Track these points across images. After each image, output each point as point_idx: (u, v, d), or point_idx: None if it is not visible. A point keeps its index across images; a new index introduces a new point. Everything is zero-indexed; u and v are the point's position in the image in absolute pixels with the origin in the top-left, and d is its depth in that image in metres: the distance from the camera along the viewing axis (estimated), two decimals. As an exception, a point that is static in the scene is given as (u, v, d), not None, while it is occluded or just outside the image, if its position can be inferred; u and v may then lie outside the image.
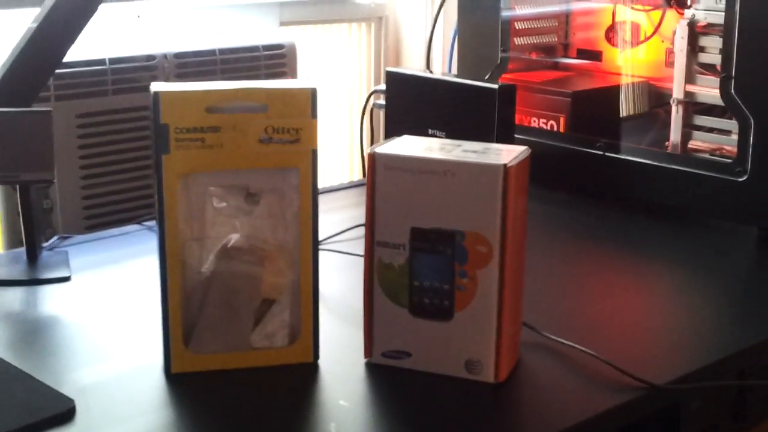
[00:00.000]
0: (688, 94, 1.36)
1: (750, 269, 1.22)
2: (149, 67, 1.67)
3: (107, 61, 1.62)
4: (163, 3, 1.91)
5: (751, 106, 1.23)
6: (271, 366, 0.88)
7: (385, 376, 0.88)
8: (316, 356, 0.90)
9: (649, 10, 1.46)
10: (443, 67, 2.17)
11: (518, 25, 1.56)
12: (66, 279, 1.10)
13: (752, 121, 1.23)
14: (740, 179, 1.25)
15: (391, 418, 0.83)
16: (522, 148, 0.88)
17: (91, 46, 1.58)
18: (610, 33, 1.55)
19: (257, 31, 1.99)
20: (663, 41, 1.46)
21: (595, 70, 1.58)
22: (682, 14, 1.36)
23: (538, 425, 0.82)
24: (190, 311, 0.88)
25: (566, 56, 1.62)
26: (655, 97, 1.48)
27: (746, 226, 1.27)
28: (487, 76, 1.51)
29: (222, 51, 1.76)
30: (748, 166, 1.24)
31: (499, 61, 1.52)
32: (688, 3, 1.36)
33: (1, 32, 1.43)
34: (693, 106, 1.36)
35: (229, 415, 0.81)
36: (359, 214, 0.99)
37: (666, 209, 1.35)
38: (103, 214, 1.65)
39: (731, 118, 1.28)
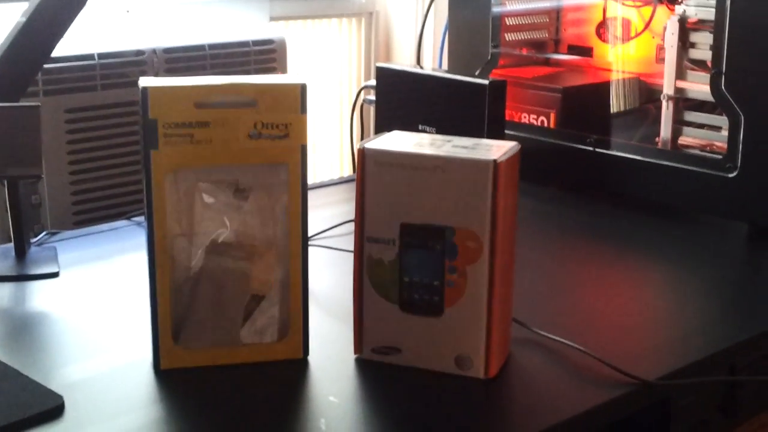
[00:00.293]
0: (678, 90, 1.36)
1: (740, 265, 1.22)
2: (138, 62, 1.67)
3: (96, 56, 1.62)
4: (153, -2, 1.91)
5: (741, 102, 1.23)
6: (261, 362, 0.88)
7: (375, 371, 0.88)
8: (306, 352, 0.90)
9: (640, 6, 1.46)
10: (434, 62, 2.17)
11: (509, 21, 1.56)
12: (54, 275, 1.09)
13: (742, 117, 1.23)
14: (730, 175, 1.25)
15: (381, 414, 0.83)
16: (512, 143, 0.88)
17: (79, 40, 1.58)
18: (601, 29, 1.55)
19: (247, 26, 1.98)
20: (654, 37, 1.46)
21: (585, 66, 1.58)
22: (673, 10, 1.37)
23: (529, 421, 0.81)
24: (179, 307, 0.87)
25: (557, 52, 1.62)
26: (646, 93, 1.48)
27: (736, 222, 1.27)
28: (477, 72, 1.51)
29: (211, 46, 1.76)
30: (738, 162, 1.24)
31: (489, 57, 1.52)
32: (679, -1, 1.36)
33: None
34: (683, 102, 1.36)
35: (218, 411, 0.81)
36: (349, 210, 0.99)
37: (656, 205, 1.35)
38: (92, 210, 1.64)
39: (722, 114, 1.28)
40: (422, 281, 0.86)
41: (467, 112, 1.30)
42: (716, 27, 1.24)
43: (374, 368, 0.88)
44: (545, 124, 1.48)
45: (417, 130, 1.33)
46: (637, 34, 1.48)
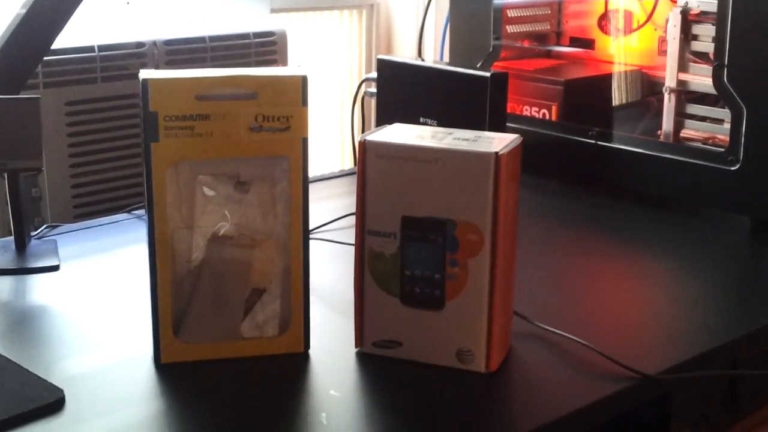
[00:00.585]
0: (680, 82, 1.35)
1: (742, 258, 1.22)
2: (138, 54, 1.66)
3: (96, 48, 1.61)
4: (153, -10, 1.90)
5: (743, 95, 1.23)
6: (262, 356, 0.88)
7: (376, 365, 0.88)
8: (307, 346, 0.89)
9: (642, -2, 1.46)
10: (435, 54, 2.17)
11: (510, 13, 1.55)
12: (55, 268, 1.09)
13: (745, 110, 1.22)
14: (732, 168, 1.24)
15: (382, 408, 0.83)
16: (514, 136, 0.88)
17: (79, 33, 1.57)
18: (603, 21, 1.55)
19: (248, 18, 1.98)
20: (656, 29, 1.45)
21: (587, 59, 1.57)
22: (675, 2, 1.36)
23: (530, 415, 0.81)
24: (180, 301, 0.87)
25: (559, 44, 1.62)
26: (648, 85, 1.47)
27: (738, 215, 1.27)
28: (479, 64, 1.50)
29: (212, 38, 1.75)
30: (741, 155, 1.23)
31: (491, 49, 1.52)
32: (681, -9, 1.35)
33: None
34: (685, 95, 1.36)
35: (219, 406, 0.81)
36: (350, 203, 0.99)
37: (658, 198, 1.35)
38: (92, 203, 1.64)
39: (724, 107, 1.28)
40: (423, 274, 0.86)
41: (469, 105, 1.30)
42: (719, 19, 1.24)
43: (375, 362, 0.88)
44: (547, 117, 1.47)
45: (418, 123, 1.32)
46: (639, 26, 1.47)
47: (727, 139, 1.26)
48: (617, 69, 1.50)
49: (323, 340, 0.91)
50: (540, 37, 1.62)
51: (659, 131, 1.37)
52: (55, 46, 1.21)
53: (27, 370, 0.84)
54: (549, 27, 1.62)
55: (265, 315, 0.89)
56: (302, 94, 0.85)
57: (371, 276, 0.88)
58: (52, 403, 0.79)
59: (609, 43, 1.54)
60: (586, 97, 1.49)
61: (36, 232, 1.20)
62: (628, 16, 1.49)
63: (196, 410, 0.81)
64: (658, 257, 1.19)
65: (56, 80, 1.57)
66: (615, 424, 0.89)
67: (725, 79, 1.24)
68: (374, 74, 1.46)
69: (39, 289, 1.05)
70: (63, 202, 1.60)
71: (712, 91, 1.27)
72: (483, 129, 1.04)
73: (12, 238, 1.13)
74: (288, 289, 0.88)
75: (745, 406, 0.99)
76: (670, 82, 1.36)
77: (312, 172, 0.90)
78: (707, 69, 1.29)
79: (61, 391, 0.81)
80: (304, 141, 0.85)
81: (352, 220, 0.90)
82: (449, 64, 1.51)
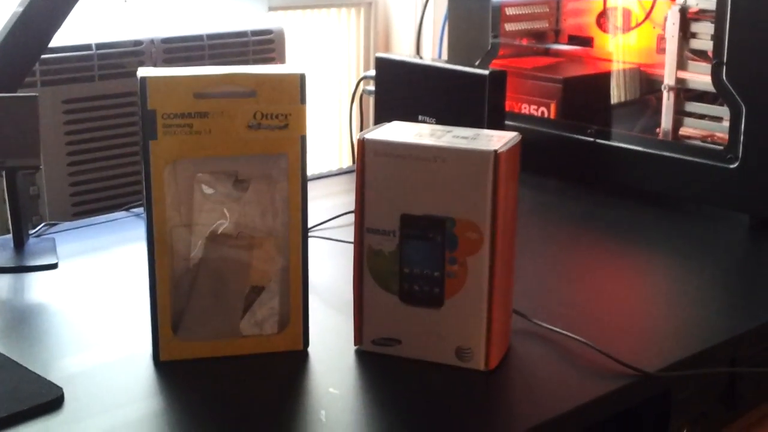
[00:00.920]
0: (679, 80, 1.35)
1: (741, 256, 1.22)
2: (136, 52, 1.66)
3: (94, 47, 1.61)
4: (151, -13, 1.90)
5: (742, 93, 1.23)
6: (261, 353, 0.88)
7: (375, 363, 0.88)
8: (306, 344, 0.89)
9: (640, -4, 1.46)
10: (433, 52, 2.17)
11: (509, 11, 1.55)
12: (53, 266, 1.09)
13: (744, 108, 1.22)
14: (731, 166, 1.24)
15: (381, 406, 0.83)
16: (512, 134, 0.88)
17: (77, 31, 1.57)
18: (602, 19, 1.54)
19: (245, 16, 1.97)
20: (654, 27, 1.45)
21: (586, 57, 1.57)
22: (674, 0, 1.36)
23: (529, 413, 0.81)
24: (179, 298, 0.87)
25: (557, 42, 1.62)
26: (647, 83, 1.47)
27: (737, 213, 1.27)
28: (477, 62, 1.50)
29: (210, 36, 1.75)
30: (740, 153, 1.23)
31: (489, 47, 1.52)
32: (680, -11, 1.35)
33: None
34: (684, 93, 1.36)
35: (218, 403, 0.81)
36: (349, 201, 0.99)
37: (657, 196, 1.35)
38: (91, 201, 1.64)
39: (723, 105, 1.28)
40: (422, 272, 0.86)
41: (467, 103, 1.30)
42: (717, 17, 1.24)
43: (374, 360, 0.88)
44: (545, 115, 1.47)
45: (417, 121, 1.32)
46: (638, 24, 1.47)
47: (726, 137, 1.26)
48: (616, 67, 1.50)
49: (322, 337, 0.91)
50: (538, 35, 1.62)
51: (658, 129, 1.37)
52: (52, 44, 1.21)
53: (26, 368, 0.84)
54: (547, 25, 1.62)
55: (263, 313, 0.89)
56: (301, 92, 0.85)
57: (370, 274, 0.88)
58: (51, 401, 0.79)
59: (608, 41, 1.54)
60: (585, 95, 1.49)
61: (34, 231, 1.19)
62: (627, 14, 1.49)
63: (194, 408, 0.81)
64: (657, 255, 1.19)
65: (54, 78, 1.57)
66: (614, 422, 0.89)
67: (724, 77, 1.24)
68: (372, 72, 1.46)
69: (37, 287, 1.05)
70: (61, 200, 1.60)
71: (711, 89, 1.27)
72: (482, 127, 1.04)
73: (10, 236, 1.13)
74: (287, 286, 0.88)
75: (744, 404, 0.99)
76: (669, 80, 1.36)
77: (311, 170, 0.89)
78: (706, 67, 1.29)
79: (60, 389, 0.81)
80: (303, 139, 0.85)
81: (351, 218, 0.90)
82: (448, 62, 1.51)
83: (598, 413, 0.84)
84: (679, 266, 1.15)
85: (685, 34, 1.34)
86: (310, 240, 0.89)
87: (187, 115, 0.83)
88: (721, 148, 1.26)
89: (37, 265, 1.09)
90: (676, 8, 1.34)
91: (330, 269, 1.08)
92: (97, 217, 1.28)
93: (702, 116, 1.34)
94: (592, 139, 1.39)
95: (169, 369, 0.86)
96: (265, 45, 1.83)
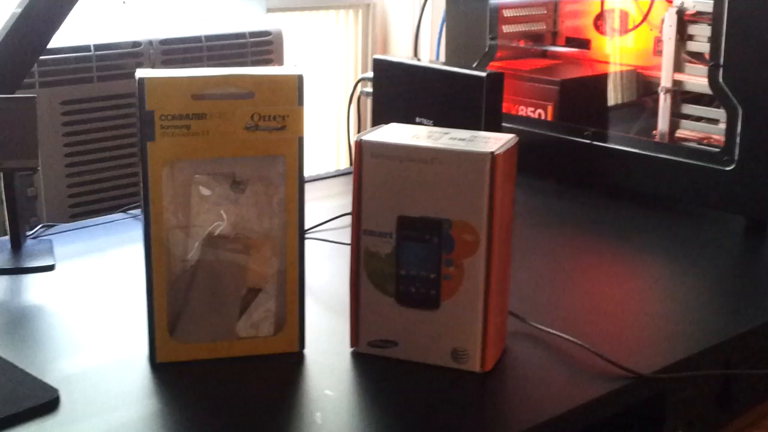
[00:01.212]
0: (676, 82, 1.36)
1: (737, 258, 1.22)
2: (134, 53, 1.66)
3: (92, 48, 1.61)
4: (149, -11, 1.90)
5: (739, 95, 1.23)
6: (257, 355, 0.88)
7: (372, 365, 0.88)
8: (302, 345, 0.89)
9: (638, -1, 1.46)
10: (431, 54, 2.17)
11: (507, 13, 1.55)
12: (50, 268, 1.09)
13: (740, 110, 1.23)
14: (728, 168, 1.25)
15: (377, 408, 0.83)
16: (509, 136, 0.88)
17: (75, 32, 1.57)
18: (599, 21, 1.55)
19: (244, 17, 1.97)
20: (651, 29, 1.45)
21: (583, 59, 1.58)
22: (671, 2, 1.36)
23: (524, 415, 0.81)
24: (176, 300, 0.87)
25: (555, 44, 1.62)
26: (643, 85, 1.48)
27: (733, 215, 1.27)
28: (475, 64, 1.50)
29: (208, 38, 1.75)
30: (736, 155, 1.24)
31: (487, 49, 1.52)
32: (677, -9, 1.36)
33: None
34: (681, 95, 1.36)
35: (214, 405, 0.81)
36: (346, 203, 0.99)
37: (653, 198, 1.35)
38: (88, 203, 1.64)
39: (719, 107, 1.28)
40: (419, 274, 0.86)
41: (464, 105, 1.30)
42: (714, 19, 1.24)
43: (370, 361, 0.88)
44: (542, 117, 1.47)
45: (414, 123, 1.32)
46: (635, 27, 1.48)
47: (723, 139, 1.26)
48: (613, 69, 1.50)
49: (318, 339, 0.91)
50: (536, 37, 1.62)
51: (655, 131, 1.38)
52: (51, 45, 1.21)
53: (22, 370, 0.84)
54: (545, 27, 1.62)
55: (260, 315, 0.89)
56: (298, 93, 0.85)
57: (367, 276, 0.88)
58: (47, 402, 0.79)
59: (605, 43, 1.54)
60: (582, 97, 1.49)
61: (31, 232, 1.19)
62: (624, 16, 1.50)
63: (191, 410, 0.81)
64: (653, 257, 1.19)
65: (52, 79, 1.57)
66: (609, 424, 0.90)
67: (720, 80, 1.24)
68: (370, 74, 1.46)
69: (34, 288, 1.05)
70: (59, 202, 1.60)
71: (708, 91, 1.27)
72: (479, 129, 1.04)
73: (7, 237, 1.13)
74: (283, 288, 0.88)
75: (738, 406, 0.99)
76: (665, 82, 1.36)
77: (308, 172, 0.90)
78: (703, 69, 1.29)
79: (56, 390, 0.81)
80: (300, 140, 0.85)
81: (348, 219, 0.90)
82: (445, 63, 1.51)
83: (594, 415, 0.84)
84: (675, 268, 1.15)
85: (682, 36, 1.34)
86: (306, 242, 0.89)
87: (184, 117, 0.83)
88: (718, 150, 1.27)
89: (34, 266, 1.09)
90: (673, 10, 1.34)
91: (327, 271, 1.08)
92: (95, 219, 1.28)
93: (698, 118, 1.34)
94: (588, 141, 1.39)
95: (166, 371, 0.86)
96: (263, 46, 1.83)
